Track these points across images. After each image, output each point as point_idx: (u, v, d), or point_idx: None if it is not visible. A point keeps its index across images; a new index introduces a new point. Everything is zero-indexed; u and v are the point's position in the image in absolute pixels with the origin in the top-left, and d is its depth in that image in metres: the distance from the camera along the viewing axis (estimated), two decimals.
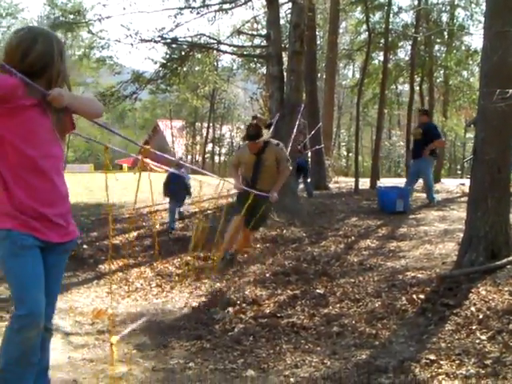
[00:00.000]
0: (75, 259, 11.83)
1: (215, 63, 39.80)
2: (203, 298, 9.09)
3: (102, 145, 4.65)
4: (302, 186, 18.91)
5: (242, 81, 51.37)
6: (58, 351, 6.80)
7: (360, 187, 19.47)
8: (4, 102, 3.57)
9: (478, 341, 5.91)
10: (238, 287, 9.27)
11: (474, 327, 6.25)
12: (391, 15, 25.09)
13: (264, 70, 29.72)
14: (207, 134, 59.77)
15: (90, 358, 6.55)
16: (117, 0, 21.73)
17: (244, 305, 8.32)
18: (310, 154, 20.11)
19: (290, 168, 10.03)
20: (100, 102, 16.07)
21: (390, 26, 24.72)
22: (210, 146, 61.26)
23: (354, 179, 20.80)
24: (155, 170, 14.48)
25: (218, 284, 9.63)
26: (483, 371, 5.19)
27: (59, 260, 4.13)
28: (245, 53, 24.12)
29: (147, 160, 7.63)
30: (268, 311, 7.98)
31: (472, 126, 21.95)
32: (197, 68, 29.93)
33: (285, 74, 16.72)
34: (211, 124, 59.62)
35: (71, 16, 21.76)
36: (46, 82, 3.83)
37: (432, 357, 5.64)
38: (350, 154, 59.61)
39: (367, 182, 21.55)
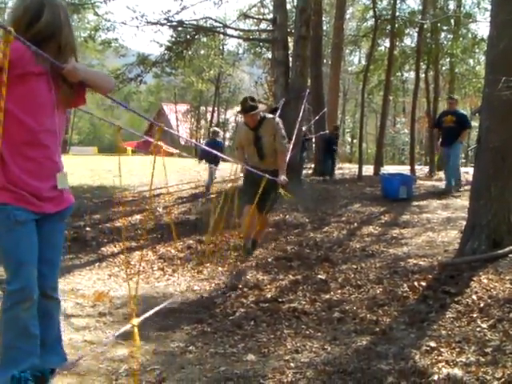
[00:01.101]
0: (77, 241, 11.88)
1: (221, 47, 39.69)
2: (205, 282, 9.11)
3: (113, 124, 4.66)
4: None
5: (247, 65, 51.29)
6: None
7: (363, 174, 19.47)
8: (12, 68, 3.40)
9: (478, 329, 5.92)
10: (240, 271, 9.28)
11: (474, 315, 6.26)
12: (398, 1, 24.97)
13: (269, 54, 29.70)
14: (212, 118, 59.64)
15: (91, 339, 6.58)
16: None
17: (245, 289, 8.34)
18: (314, 140, 20.13)
19: (288, 146, 9.71)
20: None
21: (397, 13, 24.61)
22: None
23: (357, 166, 20.78)
24: (168, 151, 14.52)
25: (220, 268, 9.63)
26: (483, 359, 5.19)
27: (56, 228, 4.14)
28: (251, 37, 24.10)
29: (161, 143, 7.62)
30: (269, 296, 7.99)
31: (477, 114, 21.92)
32: (202, 52, 29.92)
33: (290, 58, 16.71)
34: (216, 108, 59.49)
35: None
36: (53, 51, 3.77)
37: (432, 344, 5.64)
38: (355, 141, 59.54)
39: (371, 168, 21.55)
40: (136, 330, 4.14)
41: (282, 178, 8.97)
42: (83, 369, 5.46)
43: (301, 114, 13.85)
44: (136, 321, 4.23)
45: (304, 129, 17.88)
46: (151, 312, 5.18)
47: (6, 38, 3.14)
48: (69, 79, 3.78)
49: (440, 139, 15.51)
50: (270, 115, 9.59)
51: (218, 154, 8.87)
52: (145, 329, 6.88)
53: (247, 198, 9.16)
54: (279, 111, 13.63)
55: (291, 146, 10.17)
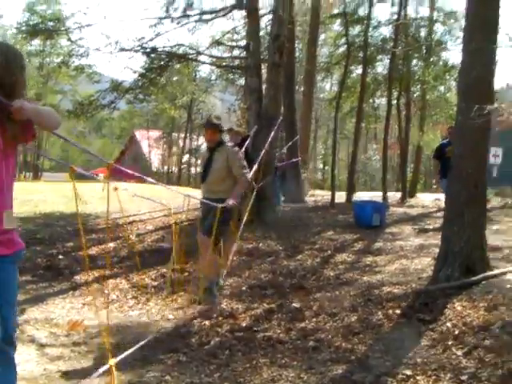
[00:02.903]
0: (50, 269, 11.80)
1: (193, 74, 39.80)
2: (179, 311, 9.08)
3: (79, 148, 4.68)
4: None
5: (219, 91, 51.44)
6: (33, 363, 6.80)
7: (336, 201, 19.52)
8: None
9: (453, 356, 5.95)
10: (205, 303, 9.25)
11: (449, 343, 6.29)
12: (370, 29, 25.19)
13: (242, 81, 29.79)
14: (184, 144, 59.76)
15: (66, 369, 6.56)
16: (97, 9, 21.82)
17: (220, 318, 8.30)
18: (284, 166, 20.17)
19: (249, 177, 9.65)
20: (76, 110, 15.93)
21: (369, 40, 24.82)
22: (186, 157, 61.26)
23: (329, 192, 20.88)
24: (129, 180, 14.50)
25: (195, 296, 9.61)
26: None
27: (11, 270, 4.19)
28: (224, 64, 24.19)
29: (119, 167, 7.63)
30: (244, 325, 7.96)
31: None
32: (175, 78, 29.98)
33: (263, 85, 16.76)
34: (188, 134, 59.59)
35: (50, 23, 21.74)
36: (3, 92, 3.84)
37: (408, 372, 5.67)
38: (326, 167, 59.77)
39: (343, 195, 21.63)
40: (114, 369, 4.16)
41: (229, 202, 8.86)
42: None
43: (269, 140, 13.85)
44: (113, 361, 4.23)
45: (278, 155, 17.97)
46: (127, 353, 5.19)
47: None
48: (15, 117, 3.77)
49: (439, 171, 14.97)
50: (230, 144, 9.79)
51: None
52: (126, 357, 6.85)
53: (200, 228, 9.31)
54: (250, 139, 13.71)
55: (251, 174, 10.18)
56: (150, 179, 7.26)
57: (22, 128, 4.00)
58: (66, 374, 6.44)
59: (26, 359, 6.84)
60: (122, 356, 4.68)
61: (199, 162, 47.93)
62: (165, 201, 14.18)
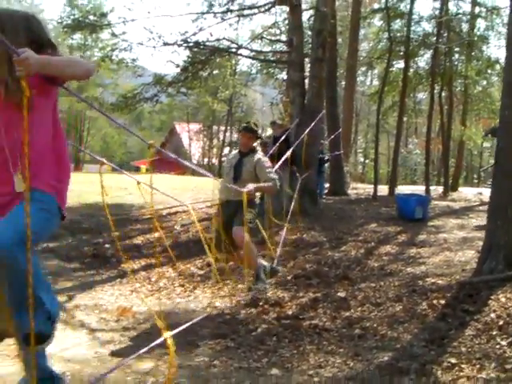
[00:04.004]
0: (98, 258, 12.03)
1: (234, 68, 39.94)
2: (226, 299, 9.22)
3: (144, 142, 4.79)
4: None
5: (260, 85, 51.47)
6: (84, 346, 6.98)
7: (378, 193, 19.55)
8: None
9: (498, 346, 6.00)
10: (254, 290, 9.37)
11: (494, 333, 6.34)
12: (412, 24, 25.11)
13: (282, 75, 29.84)
14: (224, 137, 59.86)
15: (117, 353, 6.70)
16: (140, 3, 22.03)
17: (267, 306, 8.42)
18: (327, 159, 20.22)
19: (277, 184, 9.30)
20: (120, 103, 15.90)
21: (411, 35, 24.75)
22: (226, 150, 61.39)
23: (370, 186, 20.92)
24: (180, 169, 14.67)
25: (241, 285, 9.73)
26: (504, 375, 5.29)
27: None
28: (265, 58, 24.30)
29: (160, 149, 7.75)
30: (290, 313, 8.08)
31: (489, 135, 22.00)
32: (216, 72, 30.11)
33: (306, 80, 16.86)
34: (228, 127, 59.71)
35: (92, 17, 22.01)
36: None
37: (453, 360, 5.73)
38: (367, 161, 59.61)
39: (384, 188, 21.65)
40: (170, 341, 4.30)
41: (249, 186, 8.73)
42: (110, 381, 5.57)
43: (311, 133, 13.92)
44: (168, 333, 4.37)
45: (322, 149, 18.10)
46: (184, 326, 5.33)
47: None
48: (19, 69, 3.43)
49: None
50: (260, 153, 9.61)
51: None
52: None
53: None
54: (290, 131, 13.83)
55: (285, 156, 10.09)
56: (202, 170, 7.47)
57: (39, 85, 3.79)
58: (117, 357, 6.60)
59: (77, 343, 7.01)
60: (176, 331, 4.83)
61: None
62: (209, 192, 14.33)
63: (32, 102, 3.59)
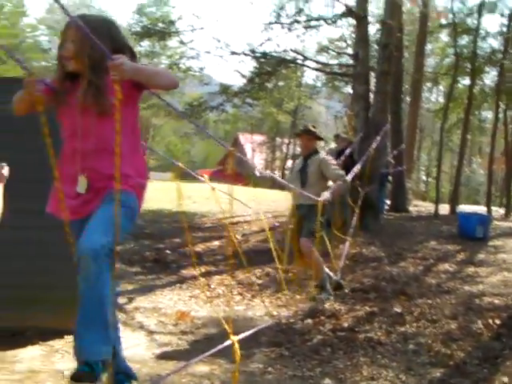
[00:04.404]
0: (158, 263, 12.25)
1: (300, 79, 40.06)
2: (283, 309, 9.34)
3: (226, 147, 4.93)
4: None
5: (324, 98, 51.49)
6: (143, 347, 7.19)
7: (439, 212, 19.48)
8: None
9: None
10: (318, 300, 9.47)
11: None
12: (479, 40, 24.92)
13: (347, 88, 29.87)
14: (287, 149, 59.88)
15: (174, 355, 6.89)
16: (209, 12, 22.36)
17: (323, 317, 8.50)
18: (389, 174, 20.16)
19: (347, 178, 9.58)
20: (186, 111, 16.07)
21: (478, 51, 24.56)
22: (289, 163, 61.41)
23: (432, 204, 20.81)
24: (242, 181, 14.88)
25: (298, 296, 9.84)
26: None
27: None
28: (331, 70, 24.39)
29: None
30: (346, 325, 8.16)
31: None
32: (281, 83, 30.28)
33: (370, 93, 16.90)
34: (292, 140, 59.74)
35: (160, 25, 22.32)
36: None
37: (505, 379, 5.79)
38: (429, 179, 59.09)
39: (446, 207, 21.55)
40: (236, 345, 4.45)
41: (324, 195, 8.88)
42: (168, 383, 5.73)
43: (375, 145, 13.89)
44: (235, 338, 4.53)
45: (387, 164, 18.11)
46: (250, 332, 5.48)
47: None
48: (112, 74, 3.54)
49: None
50: (323, 153, 9.69)
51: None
52: (226, 349, 7.15)
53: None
54: (354, 145, 13.86)
55: (350, 176, 10.16)
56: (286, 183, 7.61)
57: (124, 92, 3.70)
58: (174, 359, 6.78)
59: (136, 343, 7.23)
60: (243, 335, 4.98)
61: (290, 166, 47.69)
62: (272, 203, 14.45)
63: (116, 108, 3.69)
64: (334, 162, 9.46)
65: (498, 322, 7.65)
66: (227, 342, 4.65)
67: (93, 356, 3.63)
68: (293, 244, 9.48)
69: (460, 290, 9.71)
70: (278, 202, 18.58)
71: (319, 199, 8.66)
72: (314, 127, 9.57)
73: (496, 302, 8.61)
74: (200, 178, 6.64)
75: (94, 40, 3.43)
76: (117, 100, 3.54)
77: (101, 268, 3.68)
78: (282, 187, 16.51)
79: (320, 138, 9.94)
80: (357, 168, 12.00)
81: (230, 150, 5.54)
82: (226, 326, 4.76)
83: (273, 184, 29.05)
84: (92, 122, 3.85)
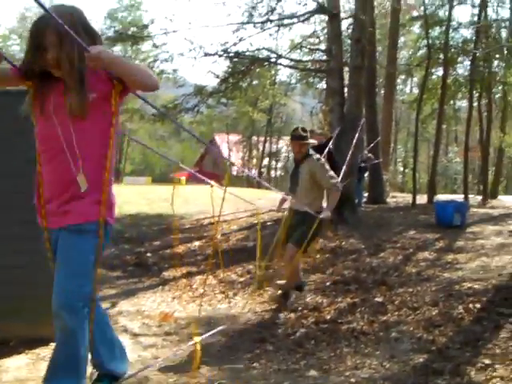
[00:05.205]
0: (140, 266, 12.29)
1: (274, 77, 40.13)
2: (265, 305, 9.39)
3: (168, 159, 4.96)
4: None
5: (299, 95, 51.60)
6: (128, 350, 7.14)
7: (417, 202, 19.59)
8: None
9: None
10: (300, 294, 9.52)
11: None
12: (451, 31, 25.09)
13: (322, 84, 29.92)
14: (264, 148, 59.98)
15: (159, 356, 6.90)
16: (181, 15, 22.31)
17: (305, 311, 8.58)
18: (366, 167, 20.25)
19: (340, 186, 9.16)
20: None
21: (450, 42, 24.73)
22: (266, 160, 61.49)
23: (409, 195, 20.92)
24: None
25: (280, 291, 9.90)
26: None
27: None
28: (305, 67, 24.41)
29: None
30: (329, 317, 8.23)
31: None
32: (255, 82, 30.29)
33: (345, 88, 16.97)
34: (268, 138, 59.83)
35: (133, 29, 22.28)
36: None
37: (487, 361, 5.82)
38: (407, 170, 59.35)
39: (424, 197, 21.67)
40: (198, 346, 4.51)
41: (327, 213, 8.75)
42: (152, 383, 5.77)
43: (354, 142, 13.88)
44: (198, 338, 4.58)
45: (361, 156, 18.22)
46: (211, 332, 5.53)
47: None
48: (89, 65, 3.48)
49: None
50: (317, 155, 9.36)
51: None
52: (211, 347, 7.20)
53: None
54: (333, 141, 13.87)
55: (339, 179, 9.66)
56: (267, 184, 7.63)
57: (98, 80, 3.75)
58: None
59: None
60: (207, 334, 5.03)
61: (279, 165, 47.57)
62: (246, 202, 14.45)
63: (89, 108, 3.72)
64: (327, 167, 9.16)
65: (478, 306, 7.70)
66: (191, 343, 4.70)
67: None
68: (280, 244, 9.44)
69: (440, 277, 9.76)
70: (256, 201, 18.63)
71: (320, 216, 8.58)
72: (304, 131, 9.26)
73: (476, 287, 8.66)
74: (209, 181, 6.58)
75: (74, 36, 3.36)
76: (116, 86, 3.74)
77: (78, 322, 3.76)
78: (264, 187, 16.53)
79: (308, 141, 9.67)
80: (343, 169, 11.86)
81: (215, 148, 5.54)
82: (193, 328, 4.80)
83: (248, 183, 29.08)
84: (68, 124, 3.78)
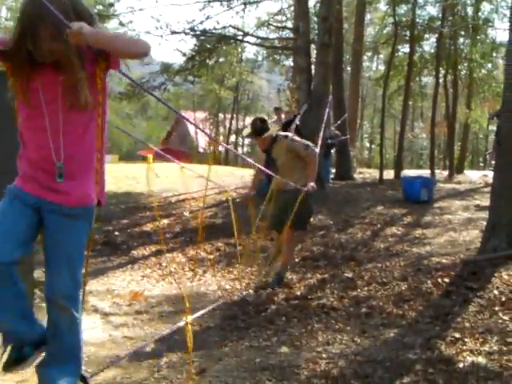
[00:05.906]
0: (108, 245, 12.22)
1: (240, 55, 40.01)
2: (235, 282, 9.42)
3: (141, 142, 4.89)
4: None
5: (266, 72, 51.45)
6: (98, 330, 7.21)
7: (384, 178, 19.68)
8: None
9: (500, 321, 6.18)
10: (269, 271, 9.56)
11: (496, 308, 6.52)
12: (417, 8, 25.15)
13: (288, 61, 29.92)
14: (230, 125, 59.84)
15: (130, 335, 6.93)
16: None
17: (276, 288, 8.61)
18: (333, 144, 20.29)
19: (315, 151, 8.89)
20: (128, 92, 15.77)
21: (416, 19, 24.81)
22: (233, 137, 61.34)
23: (377, 171, 21.00)
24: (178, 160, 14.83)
25: (250, 269, 9.92)
26: (506, 348, 5.45)
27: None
28: (272, 45, 24.41)
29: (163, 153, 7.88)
30: (299, 293, 8.27)
31: (495, 118, 22.14)
32: (222, 60, 30.25)
33: (312, 65, 16.97)
34: (235, 115, 59.69)
35: (99, 7, 22.13)
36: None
37: (457, 335, 5.89)
38: (373, 146, 59.63)
39: (391, 173, 21.77)
40: (189, 326, 4.49)
41: (310, 185, 8.50)
42: (125, 363, 5.76)
43: (325, 119, 13.84)
44: (190, 318, 4.57)
45: (330, 133, 18.24)
46: (203, 311, 5.52)
47: None
48: (71, 41, 3.26)
49: None
50: (282, 133, 9.16)
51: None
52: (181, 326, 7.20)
53: (270, 221, 9.11)
54: (299, 117, 13.84)
55: (318, 149, 9.42)
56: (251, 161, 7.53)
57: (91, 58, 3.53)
58: (131, 339, 6.82)
59: (91, 327, 7.22)
60: (197, 314, 5.02)
61: (246, 142, 47.08)
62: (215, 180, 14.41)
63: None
64: (297, 138, 8.99)
65: (446, 280, 7.77)
66: (181, 323, 4.68)
67: None
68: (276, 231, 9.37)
69: (408, 252, 9.86)
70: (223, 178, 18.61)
71: (305, 189, 8.40)
72: (262, 122, 8.95)
73: (444, 261, 8.74)
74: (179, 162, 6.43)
75: (60, 17, 3.15)
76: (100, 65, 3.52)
77: (71, 317, 3.69)
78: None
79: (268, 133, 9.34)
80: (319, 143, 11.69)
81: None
82: (186, 305, 4.78)
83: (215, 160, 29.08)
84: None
